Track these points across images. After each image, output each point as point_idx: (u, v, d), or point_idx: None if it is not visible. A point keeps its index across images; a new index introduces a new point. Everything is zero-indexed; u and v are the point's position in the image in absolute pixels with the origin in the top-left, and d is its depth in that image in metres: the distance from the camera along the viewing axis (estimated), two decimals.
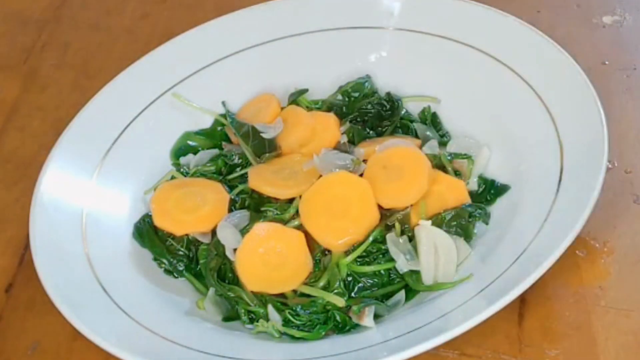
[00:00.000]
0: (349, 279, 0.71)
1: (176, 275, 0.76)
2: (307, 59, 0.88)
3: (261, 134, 0.80)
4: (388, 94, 0.84)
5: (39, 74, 0.98)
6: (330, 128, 0.81)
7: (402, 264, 0.70)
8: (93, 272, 0.72)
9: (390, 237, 0.71)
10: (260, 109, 0.84)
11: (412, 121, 0.83)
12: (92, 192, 0.78)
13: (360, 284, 0.71)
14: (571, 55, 0.78)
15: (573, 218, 0.65)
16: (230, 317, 0.72)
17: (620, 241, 0.72)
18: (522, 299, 0.68)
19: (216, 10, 0.96)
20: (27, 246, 0.77)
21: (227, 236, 0.73)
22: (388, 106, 0.83)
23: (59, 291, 0.69)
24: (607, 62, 0.87)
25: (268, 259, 0.71)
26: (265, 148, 0.80)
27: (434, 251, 0.70)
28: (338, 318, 0.69)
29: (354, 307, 0.68)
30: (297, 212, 0.74)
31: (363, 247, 0.71)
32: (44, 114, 0.93)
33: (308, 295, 0.71)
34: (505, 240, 0.70)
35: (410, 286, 0.71)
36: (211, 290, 0.73)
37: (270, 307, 0.70)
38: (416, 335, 0.63)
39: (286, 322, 0.69)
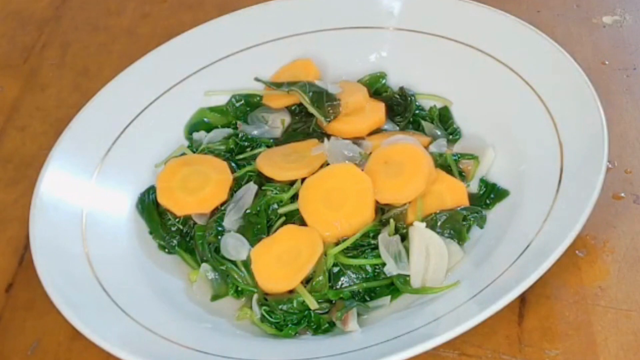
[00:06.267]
0: (335, 269, 0.71)
1: (169, 251, 0.77)
2: (306, 59, 0.88)
3: (319, 86, 0.81)
4: (401, 89, 0.84)
5: (39, 74, 0.98)
6: (379, 111, 0.81)
7: (391, 268, 0.70)
8: (93, 272, 0.72)
9: (382, 238, 0.71)
10: (297, 76, 0.85)
11: (423, 118, 0.83)
12: (92, 192, 0.78)
13: (345, 277, 0.71)
14: (571, 55, 0.78)
15: (573, 218, 0.65)
16: (218, 295, 0.73)
17: (620, 241, 0.72)
18: (522, 299, 0.68)
19: (216, 10, 0.96)
20: (27, 246, 0.77)
21: (231, 249, 0.74)
22: (401, 101, 0.83)
23: (59, 291, 0.69)
24: (607, 62, 0.87)
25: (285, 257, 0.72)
26: (324, 98, 0.80)
27: (425, 255, 0.70)
28: (312, 318, 0.70)
29: (337, 313, 0.68)
30: (296, 196, 0.74)
31: (353, 239, 0.71)
32: (44, 114, 0.93)
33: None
34: (505, 240, 0.70)
35: (396, 287, 0.71)
36: (203, 267, 0.74)
37: (254, 298, 0.71)
38: (416, 335, 0.63)
39: (262, 317, 0.70)
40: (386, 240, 0.71)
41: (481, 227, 0.74)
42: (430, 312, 0.67)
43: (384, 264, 0.70)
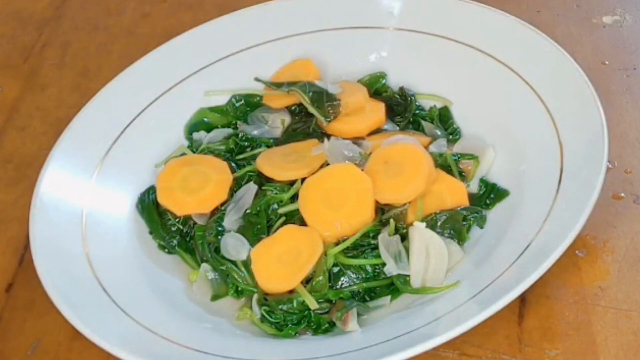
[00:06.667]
0: (335, 269, 0.71)
1: (169, 251, 0.77)
2: (306, 59, 0.88)
3: (319, 86, 0.81)
4: (401, 89, 0.84)
5: (39, 74, 0.98)
6: (379, 111, 0.81)
7: (391, 268, 0.70)
8: (93, 272, 0.72)
9: (382, 238, 0.71)
10: (297, 76, 0.84)
11: (423, 118, 0.83)
12: (92, 192, 0.78)
13: (345, 277, 0.71)
14: (571, 55, 0.78)
15: (573, 218, 0.65)
16: (218, 295, 0.73)
17: (620, 241, 0.72)
18: (522, 299, 0.68)
19: (216, 10, 0.96)
20: (27, 246, 0.77)
21: (231, 249, 0.74)
22: (401, 101, 0.83)
23: (59, 291, 0.69)
24: (607, 62, 0.87)
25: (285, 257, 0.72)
26: (324, 98, 0.80)
27: (426, 254, 0.70)
28: (312, 318, 0.70)
29: (337, 313, 0.68)
30: (296, 196, 0.74)
31: (353, 239, 0.71)
32: (44, 114, 0.93)
33: None
34: (505, 240, 0.70)
35: (396, 287, 0.71)
36: (203, 267, 0.74)
37: (254, 298, 0.71)
38: (416, 335, 0.63)
39: (262, 317, 0.70)
40: (386, 240, 0.71)
41: (481, 227, 0.74)
42: (430, 312, 0.67)
43: (384, 264, 0.70)
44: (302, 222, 0.73)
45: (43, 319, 0.73)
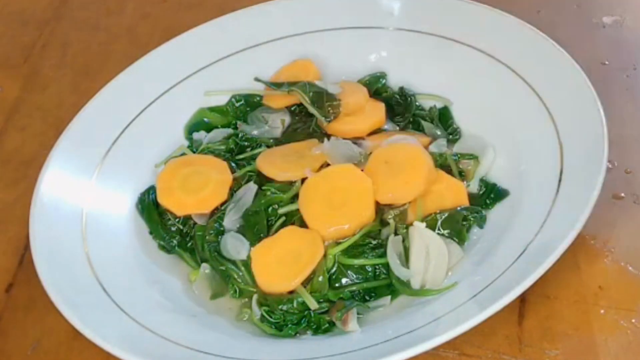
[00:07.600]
0: (335, 269, 0.71)
1: (169, 251, 0.77)
2: (306, 59, 0.88)
3: (319, 86, 0.81)
4: (401, 89, 0.84)
5: (39, 74, 0.98)
6: (379, 111, 0.81)
7: (402, 272, 0.70)
8: (93, 272, 0.72)
9: (393, 241, 0.71)
10: (297, 76, 0.85)
11: (423, 118, 0.83)
12: (92, 192, 0.78)
13: (345, 277, 0.71)
14: (571, 55, 0.78)
15: (573, 218, 0.65)
16: (218, 293, 0.73)
17: (620, 241, 0.72)
18: (522, 299, 0.68)
19: (216, 10, 0.96)
20: (27, 246, 0.77)
21: (231, 249, 0.74)
22: (401, 101, 0.83)
23: (59, 291, 0.69)
24: (607, 62, 0.87)
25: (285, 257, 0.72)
26: (324, 98, 0.80)
27: (426, 255, 0.70)
28: (312, 318, 0.70)
29: (337, 313, 0.68)
30: (296, 196, 0.74)
31: (353, 239, 0.71)
32: (44, 114, 0.93)
33: None
34: (505, 240, 0.70)
35: (395, 287, 0.71)
36: (203, 267, 0.74)
37: (254, 298, 0.71)
38: (416, 335, 0.63)
39: (262, 317, 0.70)
40: (397, 246, 0.71)
41: (481, 227, 0.74)
42: (430, 312, 0.67)
43: (383, 264, 0.70)
44: (302, 222, 0.73)
45: (43, 319, 0.73)
